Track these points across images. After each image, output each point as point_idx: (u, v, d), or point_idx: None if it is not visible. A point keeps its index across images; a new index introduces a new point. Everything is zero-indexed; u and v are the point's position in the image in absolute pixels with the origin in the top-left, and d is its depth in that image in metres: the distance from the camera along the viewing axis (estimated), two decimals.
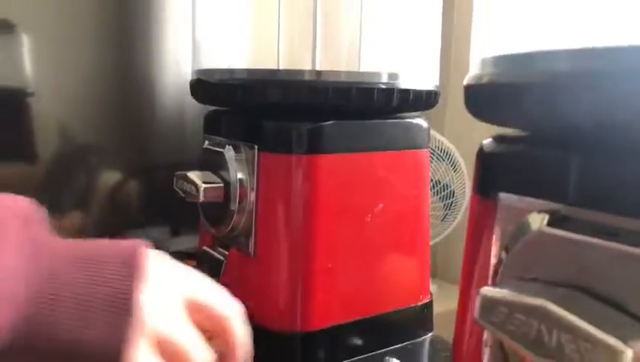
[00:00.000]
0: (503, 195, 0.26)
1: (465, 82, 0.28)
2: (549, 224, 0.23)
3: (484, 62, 0.26)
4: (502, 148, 0.27)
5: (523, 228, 0.24)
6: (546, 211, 0.23)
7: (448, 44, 0.90)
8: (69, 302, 0.30)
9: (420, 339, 0.54)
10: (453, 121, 0.95)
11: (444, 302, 0.56)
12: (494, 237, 0.27)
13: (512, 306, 0.21)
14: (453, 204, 1.67)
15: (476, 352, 0.28)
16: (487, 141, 0.29)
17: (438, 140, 0.81)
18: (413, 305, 0.52)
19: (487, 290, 0.22)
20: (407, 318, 0.52)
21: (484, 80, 0.25)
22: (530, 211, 0.24)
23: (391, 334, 0.52)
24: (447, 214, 1.72)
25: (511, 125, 0.25)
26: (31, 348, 0.30)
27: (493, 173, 0.27)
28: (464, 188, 1.52)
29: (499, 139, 0.28)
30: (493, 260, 0.27)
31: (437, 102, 0.49)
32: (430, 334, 0.55)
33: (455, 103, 0.89)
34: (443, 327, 0.55)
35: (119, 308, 0.30)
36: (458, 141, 0.82)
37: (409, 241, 0.51)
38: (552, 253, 0.23)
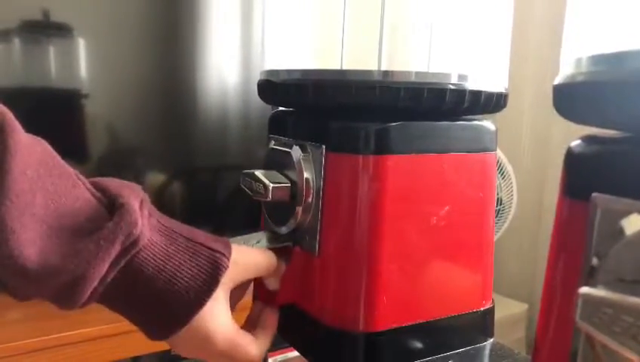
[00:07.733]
0: (595, 197, 0.26)
1: (555, 82, 0.28)
2: None
3: (579, 61, 0.26)
4: (595, 149, 0.27)
5: (621, 229, 0.24)
6: None
7: None
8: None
9: (481, 345, 0.53)
10: (500, 126, 0.94)
11: None
12: (585, 239, 0.27)
13: (618, 307, 0.21)
14: (501, 212, 1.64)
15: (561, 355, 0.28)
16: (575, 143, 0.29)
17: None
18: (475, 310, 0.52)
19: (589, 291, 0.22)
20: (470, 323, 0.52)
21: (581, 79, 0.25)
22: (628, 212, 0.24)
23: (453, 338, 0.51)
24: None
25: (612, 125, 0.25)
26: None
27: (586, 175, 0.27)
28: (512, 195, 1.49)
29: (589, 140, 0.28)
30: (583, 262, 0.27)
31: (506, 105, 0.49)
32: (491, 340, 0.55)
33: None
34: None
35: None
36: (503, 147, 0.81)
37: (474, 245, 0.50)
38: None
